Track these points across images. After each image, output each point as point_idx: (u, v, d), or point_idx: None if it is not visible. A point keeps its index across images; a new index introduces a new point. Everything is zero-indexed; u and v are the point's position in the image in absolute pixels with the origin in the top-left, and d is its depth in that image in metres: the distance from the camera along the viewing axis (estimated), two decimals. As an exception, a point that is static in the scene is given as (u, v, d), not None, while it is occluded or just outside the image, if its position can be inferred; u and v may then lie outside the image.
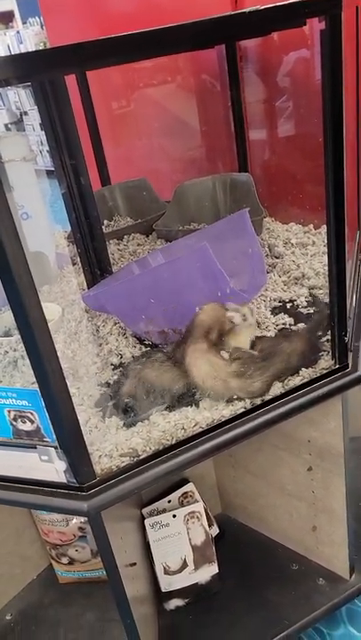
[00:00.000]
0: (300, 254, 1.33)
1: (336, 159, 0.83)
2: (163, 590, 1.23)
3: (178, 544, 1.20)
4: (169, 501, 1.25)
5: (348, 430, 1.07)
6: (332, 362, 1.00)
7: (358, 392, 1.03)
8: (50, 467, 0.84)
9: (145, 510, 1.24)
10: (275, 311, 1.14)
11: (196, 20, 0.67)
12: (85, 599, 1.30)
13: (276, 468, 1.23)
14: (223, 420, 0.92)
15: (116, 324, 1.19)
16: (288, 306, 1.16)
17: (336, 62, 0.77)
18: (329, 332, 1.00)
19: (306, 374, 0.99)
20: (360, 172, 1.34)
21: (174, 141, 1.74)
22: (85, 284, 1.31)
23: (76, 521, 1.23)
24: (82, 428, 0.81)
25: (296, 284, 1.23)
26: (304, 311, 1.13)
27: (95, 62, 0.69)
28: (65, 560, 1.30)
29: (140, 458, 0.87)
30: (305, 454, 1.15)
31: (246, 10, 0.69)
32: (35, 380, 0.76)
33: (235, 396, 0.94)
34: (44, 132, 1.18)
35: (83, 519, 1.21)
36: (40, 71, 0.65)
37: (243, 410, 0.94)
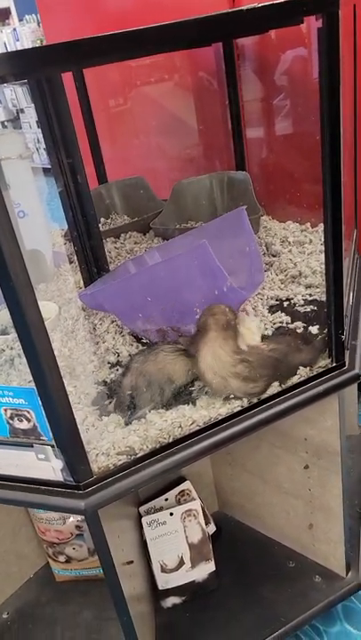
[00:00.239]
0: (297, 252, 1.33)
1: (333, 157, 0.83)
2: (160, 588, 1.23)
3: (175, 542, 1.21)
4: (166, 499, 1.25)
5: (345, 428, 1.08)
6: (328, 360, 1.00)
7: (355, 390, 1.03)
8: (47, 465, 0.84)
9: (142, 508, 1.24)
10: (272, 309, 1.15)
11: (194, 17, 0.67)
12: (82, 597, 1.30)
13: (272, 466, 1.23)
14: (220, 418, 0.92)
15: (113, 322, 1.19)
16: (285, 304, 1.16)
17: (333, 60, 0.77)
18: (325, 331, 1.00)
19: (303, 373, 0.99)
20: (357, 170, 1.34)
21: (171, 139, 1.74)
22: (82, 282, 1.31)
23: (72, 519, 1.23)
24: (79, 426, 0.81)
25: (293, 282, 1.23)
26: (301, 309, 1.13)
27: (92, 60, 0.69)
28: (62, 558, 1.30)
29: (137, 456, 0.87)
30: (302, 452, 1.15)
31: (244, 7, 0.69)
32: (31, 378, 0.76)
33: (231, 395, 0.94)
34: (40, 130, 1.18)
35: (80, 517, 1.21)
36: (37, 69, 0.65)
37: (240, 408, 0.94)
